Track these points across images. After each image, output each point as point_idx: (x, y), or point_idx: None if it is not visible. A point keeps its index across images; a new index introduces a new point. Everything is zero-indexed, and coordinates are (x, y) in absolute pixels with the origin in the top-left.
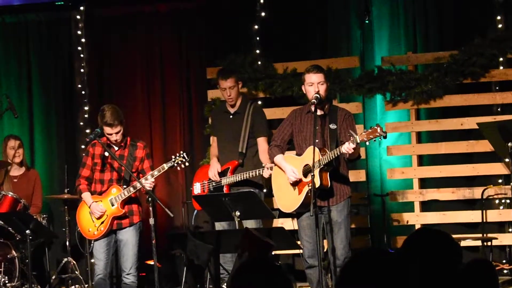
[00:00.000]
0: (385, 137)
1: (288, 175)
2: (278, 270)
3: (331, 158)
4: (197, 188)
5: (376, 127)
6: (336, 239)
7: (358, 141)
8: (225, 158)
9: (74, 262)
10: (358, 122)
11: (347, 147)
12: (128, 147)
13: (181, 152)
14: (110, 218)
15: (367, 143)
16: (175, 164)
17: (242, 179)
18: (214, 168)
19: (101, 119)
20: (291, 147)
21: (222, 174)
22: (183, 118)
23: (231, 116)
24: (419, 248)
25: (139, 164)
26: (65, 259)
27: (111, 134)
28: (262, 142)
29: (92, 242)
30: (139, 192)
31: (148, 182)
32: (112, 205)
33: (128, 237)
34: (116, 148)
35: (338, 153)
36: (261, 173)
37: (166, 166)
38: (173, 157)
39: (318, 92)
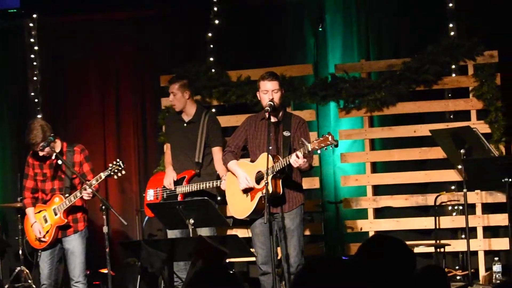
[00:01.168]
0: (336, 146)
1: (240, 181)
2: (232, 278)
3: (284, 166)
4: (150, 195)
5: (328, 136)
6: (290, 246)
7: (310, 149)
8: (179, 166)
9: (27, 271)
10: (312, 129)
11: (294, 160)
12: (66, 154)
13: (117, 160)
14: (54, 227)
15: (319, 151)
16: (112, 173)
17: (198, 189)
18: (169, 177)
19: (26, 136)
20: (246, 153)
21: (177, 183)
22: (137, 126)
23: (185, 125)
24: (373, 255)
25: (79, 169)
26: (18, 268)
27: (40, 150)
28: (217, 152)
29: (39, 251)
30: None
31: (85, 192)
32: (56, 214)
33: (74, 245)
34: (53, 157)
35: (288, 163)
36: (218, 185)
37: (103, 175)
38: (110, 165)
39: (272, 100)
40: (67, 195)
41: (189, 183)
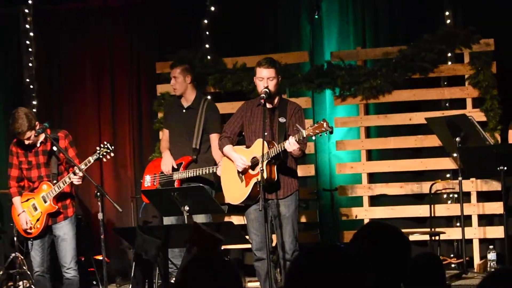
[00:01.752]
0: (331, 132)
1: (236, 164)
2: (226, 265)
3: (279, 151)
4: (147, 181)
5: (323, 122)
6: (284, 233)
7: (305, 135)
8: (177, 152)
9: (22, 257)
10: (307, 116)
11: (292, 143)
12: (50, 141)
13: (105, 143)
14: (44, 215)
15: (313, 137)
16: (101, 156)
17: (195, 175)
18: (168, 162)
19: (10, 126)
20: (242, 139)
21: (174, 169)
22: (133, 113)
23: (184, 110)
24: (368, 242)
25: (64, 155)
26: (13, 255)
27: (23, 140)
28: (214, 139)
29: (31, 240)
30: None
31: (75, 177)
32: (45, 202)
33: (65, 231)
34: (38, 145)
35: (283, 148)
36: (214, 171)
37: (92, 159)
38: (97, 148)
39: (267, 87)
40: (55, 181)
41: (186, 169)
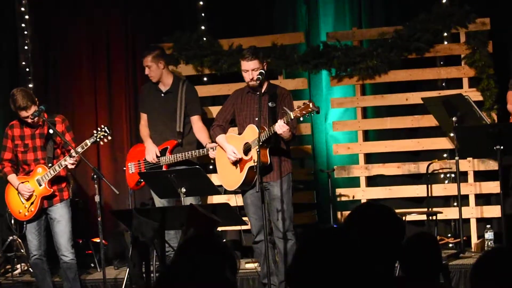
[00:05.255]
0: (317, 112)
1: (228, 155)
2: (222, 247)
3: (269, 135)
4: (131, 169)
5: (308, 103)
6: (278, 214)
7: (292, 117)
8: (159, 137)
9: (20, 240)
10: (304, 97)
11: (281, 125)
12: (47, 124)
13: (102, 126)
14: (39, 198)
15: (301, 119)
16: (98, 139)
17: (183, 159)
18: (152, 152)
19: (13, 104)
20: (235, 125)
21: (160, 154)
22: (129, 96)
23: (163, 95)
24: (361, 223)
25: (61, 139)
26: (11, 238)
27: (27, 117)
28: (196, 121)
29: (24, 223)
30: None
31: (71, 160)
32: (40, 185)
33: (61, 214)
34: (35, 128)
35: (273, 131)
36: (204, 153)
37: (88, 142)
38: (94, 132)
39: (252, 79)
40: (50, 164)
41: (172, 153)
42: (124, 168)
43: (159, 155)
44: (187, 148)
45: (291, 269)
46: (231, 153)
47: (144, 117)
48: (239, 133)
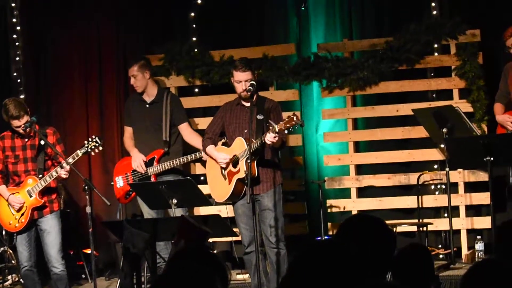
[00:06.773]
0: (302, 125)
1: (219, 162)
2: (212, 258)
3: (257, 146)
4: (119, 182)
5: (293, 116)
6: (269, 225)
7: (277, 130)
8: (144, 147)
9: (11, 251)
10: (295, 109)
11: (270, 137)
12: (38, 136)
13: (94, 136)
14: (30, 209)
15: (286, 131)
16: (89, 150)
17: (171, 167)
18: (138, 159)
19: (6, 114)
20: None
21: (147, 164)
22: (120, 106)
23: (147, 106)
24: (352, 234)
25: (51, 151)
26: (1, 249)
27: (19, 127)
28: (186, 127)
29: (15, 234)
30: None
31: (63, 170)
32: (30, 196)
33: (52, 225)
34: (27, 139)
35: (262, 142)
36: (191, 159)
37: (80, 152)
38: (85, 142)
39: (246, 90)
40: (40, 175)
41: (159, 163)
42: (112, 183)
43: (146, 160)
44: (174, 157)
45: (285, 281)
46: (221, 159)
47: (128, 130)
48: (228, 146)
